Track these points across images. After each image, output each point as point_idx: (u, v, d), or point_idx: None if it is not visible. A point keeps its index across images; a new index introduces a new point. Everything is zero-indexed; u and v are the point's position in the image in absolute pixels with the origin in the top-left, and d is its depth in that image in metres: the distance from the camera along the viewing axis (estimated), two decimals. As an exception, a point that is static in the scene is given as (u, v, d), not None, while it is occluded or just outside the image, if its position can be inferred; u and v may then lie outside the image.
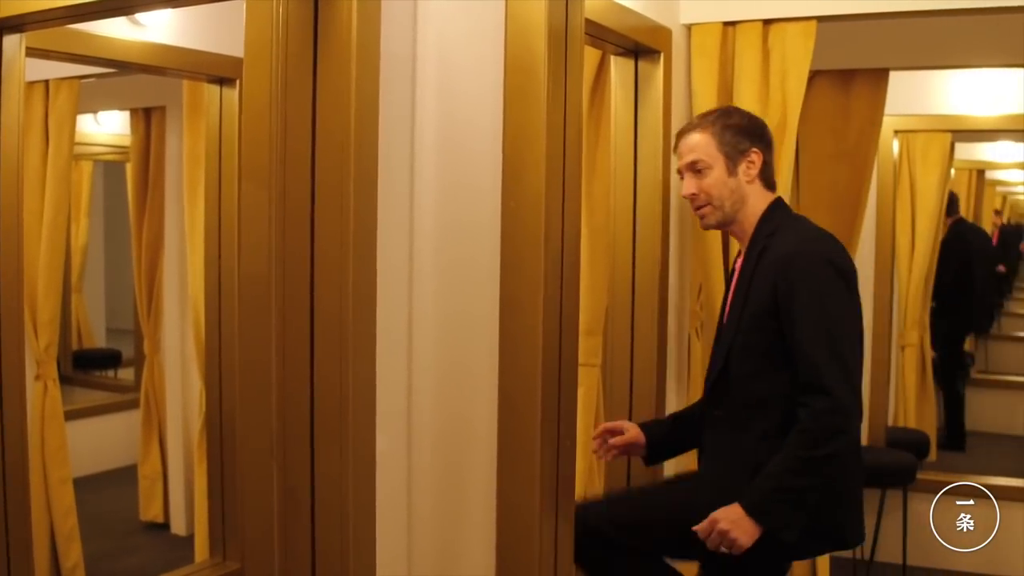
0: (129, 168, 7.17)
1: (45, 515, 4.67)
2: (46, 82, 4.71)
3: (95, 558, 5.09)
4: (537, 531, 2.26)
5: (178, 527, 5.84)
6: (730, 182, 2.76)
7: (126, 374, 7.71)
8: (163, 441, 5.99)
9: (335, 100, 2.13)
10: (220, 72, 4.06)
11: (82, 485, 4.99)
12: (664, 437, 3.07)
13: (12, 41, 3.05)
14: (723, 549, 2.52)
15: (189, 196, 4.77)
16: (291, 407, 2.20)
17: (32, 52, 3.17)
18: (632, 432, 2.98)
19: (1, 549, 3.12)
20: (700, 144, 2.76)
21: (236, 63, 4.01)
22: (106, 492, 6.34)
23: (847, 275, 2.64)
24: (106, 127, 6.64)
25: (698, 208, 2.81)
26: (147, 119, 5.87)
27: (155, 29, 3.84)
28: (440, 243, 2.37)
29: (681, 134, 2.85)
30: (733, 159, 2.75)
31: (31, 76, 3.20)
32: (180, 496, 5.82)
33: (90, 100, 5.31)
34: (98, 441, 6.69)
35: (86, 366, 7.85)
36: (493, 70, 2.29)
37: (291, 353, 2.19)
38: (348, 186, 2.10)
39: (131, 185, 6.08)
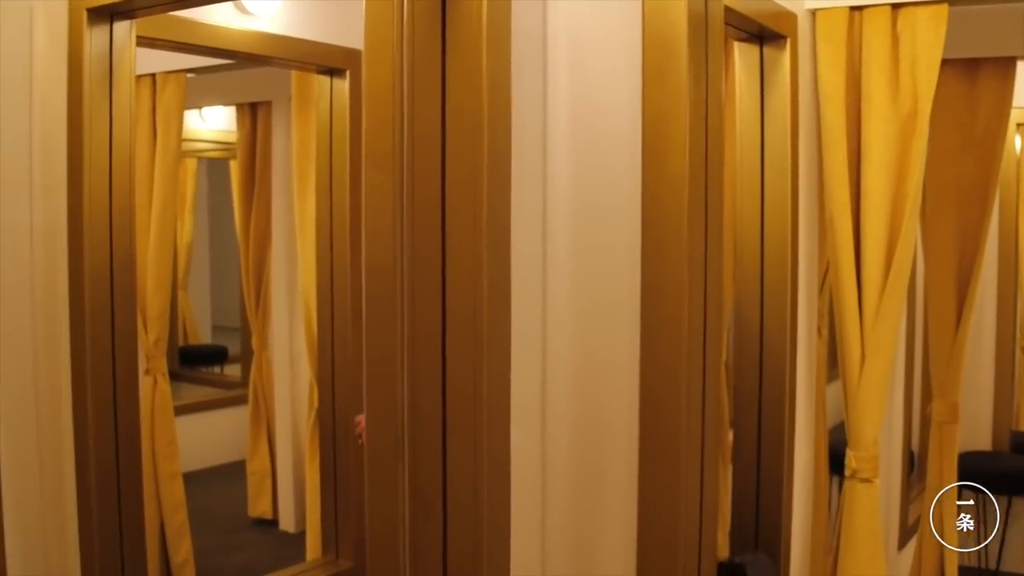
0: (234, 165, 7.21)
1: (155, 510, 4.67)
2: (153, 76, 4.71)
3: (204, 553, 5.10)
4: (681, 530, 2.13)
5: (287, 523, 5.84)
6: None
7: (232, 370, 7.76)
8: (271, 437, 5.99)
9: (466, 81, 2.02)
10: (330, 63, 3.99)
11: (190, 480, 4.98)
12: None
13: (122, 28, 3.02)
14: None
15: (299, 190, 4.71)
16: (421, 403, 2.10)
17: (141, 41, 3.13)
18: None
19: (114, 544, 3.11)
20: None
21: (346, 53, 3.99)
22: (214, 488, 6.37)
23: None
24: (211, 123, 6.67)
25: None
26: (253, 114, 5.86)
27: (264, 19, 3.78)
28: (575, 229, 2.24)
29: None
30: None
31: (139, 69, 3.15)
32: (289, 492, 5.81)
33: (196, 95, 5.31)
34: (205, 437, 6.73)
35: (192, 362, 7.92)
36: (629, 47, 2.16)
37: (421, 346, 2.09)
38: (481, 171, 1.99)
39: (237, 181, 6.09)
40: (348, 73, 3.99)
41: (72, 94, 2.95)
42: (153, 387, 4.85)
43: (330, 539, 4.33)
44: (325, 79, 4.07)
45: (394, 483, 2.19)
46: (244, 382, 6.89)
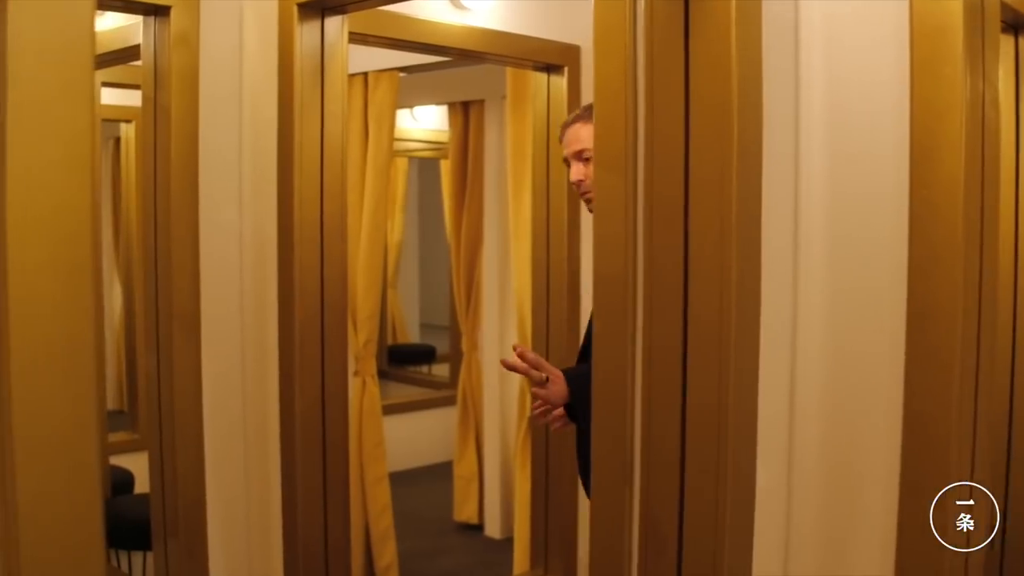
0: (444, 164, 7.22)
1: (361, 514, 4.65)
2: (365, 75, 4.68)
3: (408, 557, 5.07)
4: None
5: (492, 530, 5.77)
6: None
7: (439, 370, 7.78)
8: (480, 441, 5.93)
9: (712, 72, 1.82)
10: (547, 59, 3.85)
11: (395, 481, 4.95)
12: None
13: (334, 24, 2.94)
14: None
15: (514, 189, 4.61)
16: (657, 429, 1.91)
17: (353, 38, 3.05)
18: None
19: (319, 548, 3.05)
20: (587, 135, 2.78)
21: (564, 49, 3.86)
22: (419, 489, 6.37)
23: None
24: (423, 123, 6.67)
25: (584, 193, 2.90)
26: (465, 113, 5.81)
27: (479, 14, 3.67)
28: (830, 239, 2.00)
29: (566, 125, 2.95)
30: None
31: (352, 68, 3.07)
32: (496, 498, 5.75)
33: (407, 94, 5.28)
34: (412, 437, 6.74)
35: (401, 361, 7.97)
36: (893, 35, 1.92)
37: (659, 366, 1.90)
38: (729, 169, 1.78)
39: (449, 181, 6.07)
40: (566, 69, 3.85)
41: (283, 92, 2.88)
42: (362, 389, 4.83)
43: (539, 551, 4.20)
44: (542, 76, 3.93)
45: (620, 510, 2.02)
46: (452, 383, 6.88)
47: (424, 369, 8.02)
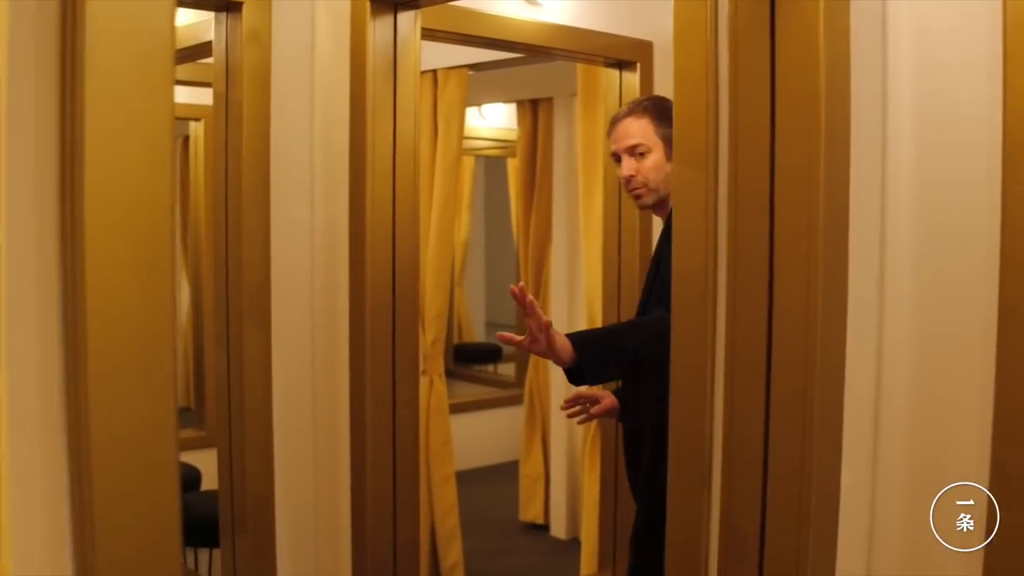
0: (511, 162, 7.20)
1: (427, 513, 4.63)
2: (434, 72, 4.66)
3: (474, 557, 5.05)
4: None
5: (558, 530, 5.74)
6: (666, 166, 2.85)
7: (505, 369, 7.75)
8: (546, 440, 5.90)
9: (800, 63, 1.76)
10: (619, 55, 3.81)
11: (461, 480, 4.92)
12: None
13: (407, 19, 2.91)
14: None
15: (585, 187, 4.57)
16: (738, 431, 1.86)
17: (424, 33, 3.03)
18: (608, 400, 3.06)
19: (387, 548, 3.02)
20: (640, 129, 2.87)
21: (636, 45, 3.81)
22: (484, 488, 6.35)
23: None
24: (491, 121, 6.65)
25: (633, 190, 2.92)
26: (534, 111, 5.79)
27: (551, 10, 3.63)
28: (920, 234, 1.94)
29: (616, 120, 2.97)
30: (670, 143, 2.65)
31: (421, 64, 3.05)
32: (562, 498, 5.71)
33: (475, 92, 5.26)
34: (478, 436, 6.73)
35: (466, 360, 7.96)
36: (985, 21, 1.86)
37: (741, 366, 1.85)
38: (817, 163, 1.72)
39: (518, 179, 6.04)
40: (639, 66, 3.80)
41: (355, 89, 2.86)
42: (429, 388, 4.81)
43: (607, 553, 4.16)
44: (614, 72, 3.89)
45: (698, 516, 1.97)
46: (518, 382, 6.86)
47: (490, 368, 8.00)
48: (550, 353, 2.77)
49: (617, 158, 2.94)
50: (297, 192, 2.92)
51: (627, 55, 3.80)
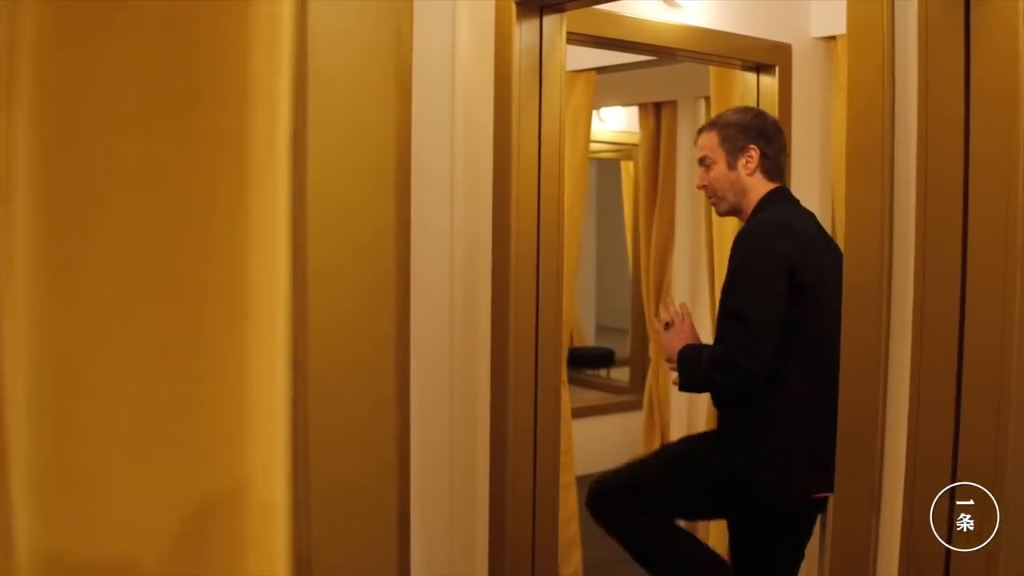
0: (624, 165, 7.13)
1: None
2: (561, 74, 4.62)
3: (592, 565, 4.98)
4: None
5: (677, 540, 5.64)
6: (730, 175, 3.08)
7: (617, 374, 7.67)
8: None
9: (998, 64, 1.67)
10: (756, 58, 3.74)
11: (578, 486, 4.85)
12: None
13: (552, 22, 2.88)
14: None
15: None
16: (924, 458, 1.77)
17: (570, 37, 2.99)
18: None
19: (526, 553, 3.03)
20: (707, 142, 3.11)
21: (774, 48, 3.74)
22: (600, 495, 6.26)
23: (775, 256, 2.88)
24: (609, 124, 6.59)
25: (708, 198, 3.19)
26: (657, 114, 5.72)
27: (690, 12, 3.57)
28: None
29: (699, 132, 3.21)
30: (733, 155, 3.07)
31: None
32: (682, 508, 5.61)
33: (598, 95, 5.20)
34: (593, 442, 6.65)
35: (579, 365, 7.89)
36: None
37: (928, 389, 1.76)
38: (1017, 172, 1.63)
39: (642, 183, 5.97)
40: (777, 69, 3.72)
41: (500, 93, 2.82)
42: (553, 394, 4.76)
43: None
44: (751, 76, 3.81)
45: (866, 539, 1.89)
46: (632, 387, 6.78)
47: (602, 373, 7.93)
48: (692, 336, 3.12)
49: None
50: (437, 197, 2.89)
51: (765, 58, 3.74)
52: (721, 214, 3.24)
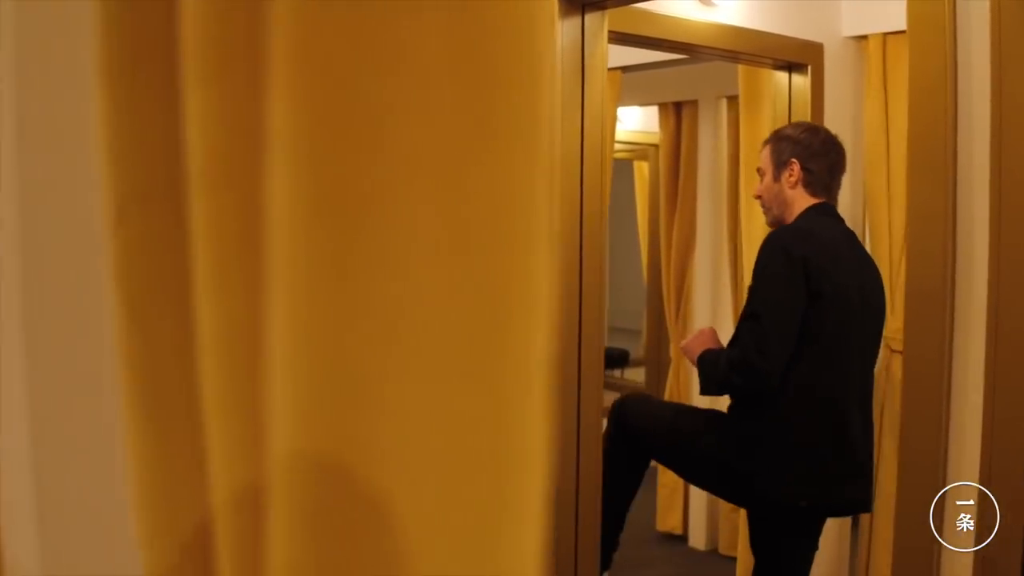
0: (638, 165, 7.11)
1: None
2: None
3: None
4: None
5: (697, 541, 5.65)
6: (774, 187, 3.15)
7: (633, 374, 7.66)
8: (687, 450, 5.79)
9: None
10: (789, 57, 3.73)
11: (594, 488, 4.83)
12: None
13: (594, 20, 2.87)
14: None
15: (747, 192, 4.47)
16: (1000, 461, 1.76)
17: (610, 36, 2.99)
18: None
19: (569, 557, 3.07)
20: (763, 154, 3.19)
21: (805, 47, 3.72)
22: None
23: (792, 260, 2.89)
24: (626, 123, 6.57)
25: (762, 207, 3.24)
26: (677, 114, 5.69)
27: (725, 10, 3.55)
28: None
29: (764, 143, 3.27)
30: (779, 168, 3.13)
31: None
32: (701, 508, 5.61)
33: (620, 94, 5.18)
34: (610, 443, 6.62)
35: (593, 365, 7.87)
36: None
37: (1001, 399, 1.74)
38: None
39: (660, 183, 5.93)
40: (809, 68, 3.71)
41: (546, 89, 2.82)
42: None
43: (747, 565, 4.07)
44: (782, 75, 3.79)
45: (928, 548, 1.88)
46: (648, 387, 6.76)
47: (617, 373, 7.91)
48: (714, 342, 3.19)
49: None
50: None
51: (797, 57, 3.73)
52: (768, 224, 3.27)
